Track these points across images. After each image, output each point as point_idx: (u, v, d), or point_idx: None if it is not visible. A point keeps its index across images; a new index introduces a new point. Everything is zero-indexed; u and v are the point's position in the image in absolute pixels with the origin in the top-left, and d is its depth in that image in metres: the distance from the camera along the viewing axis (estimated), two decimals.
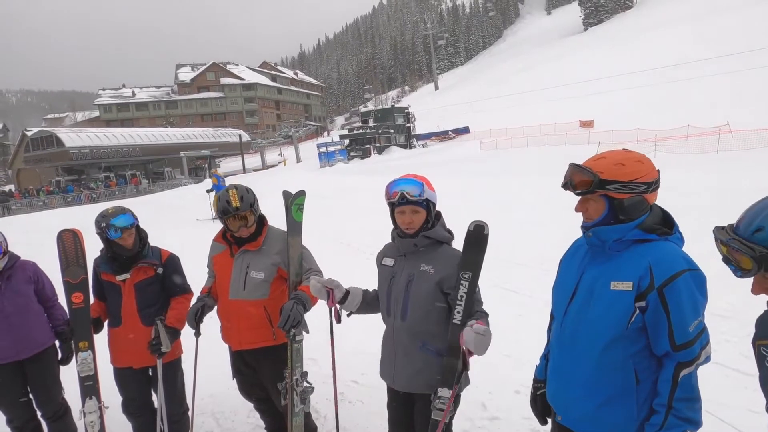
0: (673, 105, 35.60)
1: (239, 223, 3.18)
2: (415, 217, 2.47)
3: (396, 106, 57.83)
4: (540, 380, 2.26)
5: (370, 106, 77.35)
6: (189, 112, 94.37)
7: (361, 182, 22.78)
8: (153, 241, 3.51)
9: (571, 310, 1.99)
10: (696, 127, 26.33)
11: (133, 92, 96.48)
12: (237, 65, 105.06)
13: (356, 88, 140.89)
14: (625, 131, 29.52)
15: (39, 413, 3.54)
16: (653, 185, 1.86)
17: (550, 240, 7.95)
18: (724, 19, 53.81)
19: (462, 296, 2.38)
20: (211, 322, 3.39)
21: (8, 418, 3.46)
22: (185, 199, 20.11)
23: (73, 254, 3.35)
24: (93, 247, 3.40)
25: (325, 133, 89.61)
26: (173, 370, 3.46)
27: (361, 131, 49.99)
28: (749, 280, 1.52)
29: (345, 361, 3.97)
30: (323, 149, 43.89)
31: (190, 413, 3.59)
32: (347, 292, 2.71)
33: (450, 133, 51.08)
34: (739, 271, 1.46)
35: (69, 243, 3.35)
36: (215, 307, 3.40)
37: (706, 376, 2.16)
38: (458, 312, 2.38)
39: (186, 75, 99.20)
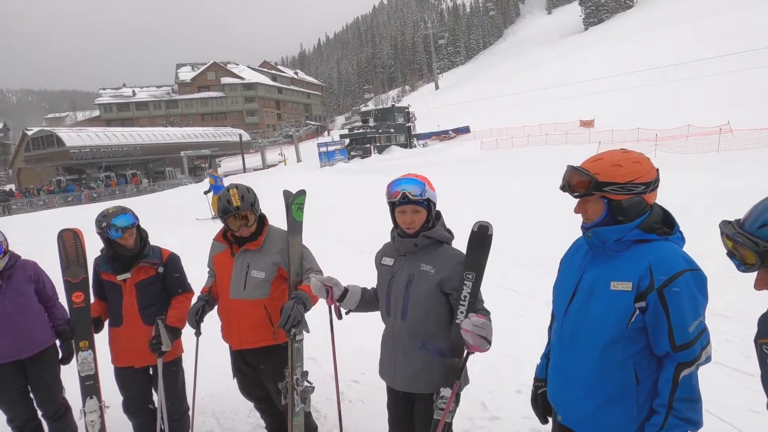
0: (673, 105, 35.60)
1: (240, 222, 3.18)
2: (416, 216, 2.46)
3: (396, 105, 57.78)
4: (541, 379, 2.26)
5: (371, 106, 77.32)
6: (189, 111, 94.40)
7: (361, 182, 22.79)
8: (153, 240, 3.51)
9: (572, 310, 1.99)
10: (696, 127, 26.32)
11: (133, 92, 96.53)
12: (237, 65, 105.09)
13: (356, 87, 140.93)
14: (625, 131, 29.52)
15: (39, 412, 3.54)
16: (652, 185, 1.85)
17: (550, 240, 7.95)
18: (725, 19, 53.81)
19: (465, 296, 2.38)
20: (212, 321, 3.39)
21: (9, 417, 3.46)
22: (185, 198, 20.12)
23: (74, 254, 3.35)
24: (93, 247, 3.40)
25: (326, 133, 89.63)
26: (174, 369, 3.47)
27: (361, 131, 49.98)
28: (750, 281, 1.53)
29: (345, 360, 3.97)
30: (323, 149, 43.90)
31: (190, 413, 3.59)
32: (346, 290, 2.71)
33: (450, 132, 51.09)
34: (743, 266, 1.48)
35: (69, 242, 3.35)
36: (216, 307, 3.40)
37: (706, 376, 2.16)
38: (461, 312, 2.37)
39: (186, 74, 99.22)
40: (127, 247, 3.26)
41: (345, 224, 12.73)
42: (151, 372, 3.47)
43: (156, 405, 3.46)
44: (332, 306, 2.74)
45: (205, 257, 3.48)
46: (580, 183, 1.87)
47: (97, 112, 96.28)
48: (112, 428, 3.51)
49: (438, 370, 2.45)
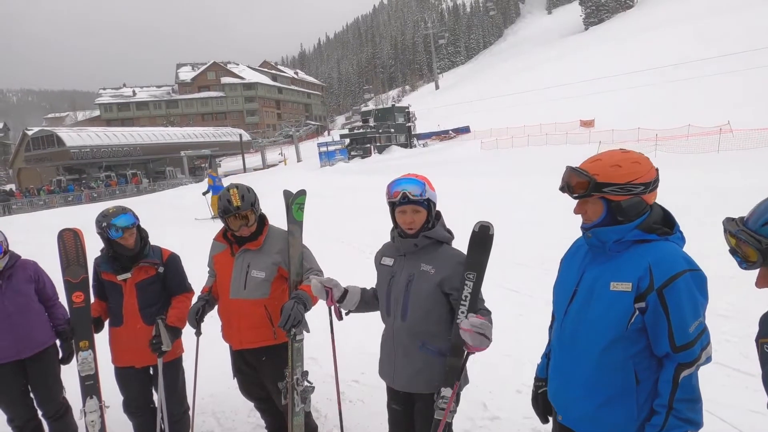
0: (673, 105, 35.60)
1: (240, 222, 3.18)
2: (416, 216, 2.46)
3: (396, 105, 57.79)
4: (541, 379, 2.26)
5: (371, 106, 77.33)
6: (189, 111, 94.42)
7: (361, 182, 22.80)
8: (153, 240, 3.51)
9: (572, 310, 1.99)
10: (696, 127, 26.33)
11: (133, 92, 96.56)
12: (238, 65, 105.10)
13: (357, 87, 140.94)
14: (625, 131, 29.53)
15: (40, 412, 3.54)
16: (651, 185, 1.85)
17: (550, 239, 7.95)
18: (725, 19, 53.82)
19: (466, 296, 2.38)
20: (212, 321, 3.39)
21: (9, 417, 3.46)
22: (186, 198, 20.13)
23: (74, 253, 3.35)
24: (93, 247, 3.40)
25: (326, 133, 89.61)
26: (174, 369, 3.47)
27: (361, 131, 49.99)
28: (750, 280, 1.53)
29: (345, 360, 3.97)
30: (324, 149, 43.90)
31: (190, 412, 3.59)
32: (345, 291, 2.71)
33: (450, 132, 51.10)
34: (744, 263, 1.50)
35: (69, 242, 3.35)
36: (216, 307, 3.40)
37: (707, 376, 2.16)
38: (462, 312, 2.37)
39: (187, 74, 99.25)
40: (128, 247, 3.26)
41: (345, 224, 12.74)
42: (151, 372, 3.47)
43: (156, 405, 3.46)
44: (332, 307, 2.74)
45: (205, 257, 3.48)
46: (579, 184, 1.87)
47: (97, 112, 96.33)
48: (113, 428, 3.51)
49: (438, 370, 2.45)
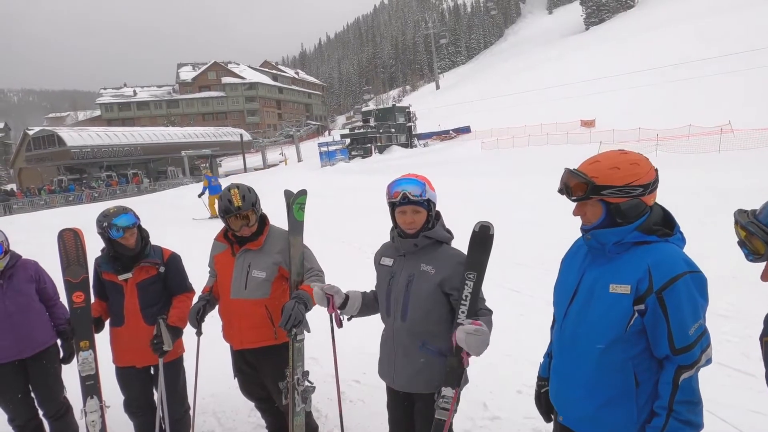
0: (674, 104, 35.58)
1: (241, 222, 3.18)
2: (416, 217, 2.46)
3: (397, 105, 57.78)
4: (544, 378, 2.26)
5: (371, 106, 77.32)
6: (190, 111, 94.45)
7: (362, 181, 22.79)
8: (154, 240, 3.52)
9: (571, 311, 1.99)
10: (697, 127, 26.33)
11: (134, 91, 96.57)
12: (238, 64, 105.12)
13: (357, 87, 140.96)
14: (626, 131, 29.53)
15: (40, 412, 3.54)
16: (650, 187, 1.84)
17: (551, 239, 7.94)
18: (726, 19, 53.74)
19: (467, 296, 2.38)
20: (213, 321, 3.39)
21: (10, 416, 3.46)
22: (186, 198, 20.13)
23: (74, 253, 3.35)
24: (94, 247, 3.40)
25: (326, 133, 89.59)
26: (175, 369, 3.47)
27: (362, 130, 49.97)
28: (750, 281, 1.54)
29: (346, 360, 3.97)
30: (324, 148, 43.88)
31: (191, 412, 3.59)
32: (347, 297, 2.71)
33: (451, 132, 51.09)
34: (751, 256, 1.52)
35: (70, 242, 3.35)
36: (216, 307, 3.40)
37: (707, 377, 2.16)
38: (462, 312, 2.37)
39: (187, 74, 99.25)
40: (128, 247, 3.27)
41: (346, 224, 12.73)
42: (152, 371, 3.47)
43: (157, 405, 3.46)
44: (332, 314, 2.73)
45: (206, 257, 3.48)
46: (578, 186, 1.86)
47: (98, 112, 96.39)
48: (113, 428, 3.52)
49: (438, 370, 2.45)
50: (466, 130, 50.20)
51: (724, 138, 21.89)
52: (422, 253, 2.51)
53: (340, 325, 2.73)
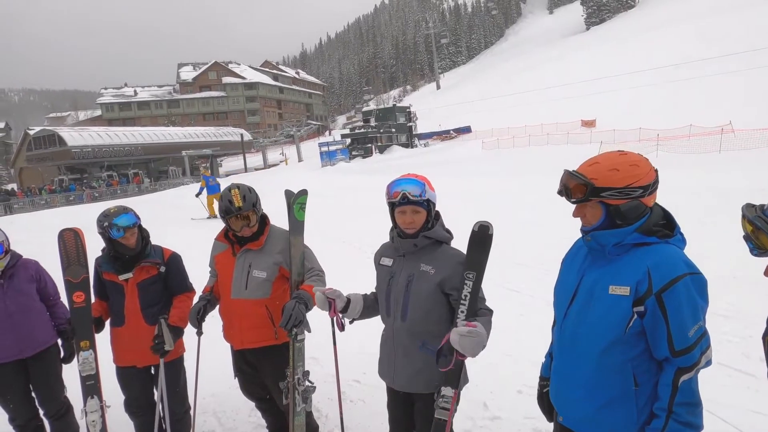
0: (675, 105, 35.57)
1: (242, 222, 3.18)
2: (416, 217, 2.46)
3: (398, 105, 57.77)
4: (546, 378, 2.25)
5: (372, 106, 77.31)
6: (191, 111, 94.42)
7: (362, 181, 22.79)
8: (155, 240, 3.52)
9: (571, 312, 1.99)
10: (698, 127, 26.32)
11: (135, 91, 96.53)
12: (239, 64, 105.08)
13: (358, 87, 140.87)
14: (627, 131, 29.53)
15: (41, 412, 3.55)
16: (650, 188, 1.83)
17: (551, 240, 7.95)
18: (726, 19, 53.70)
19: (466, 296, 2.38)
20: (213, 321, 3.39)
21: (11, 416, 3.47)
22: (187, 198, 20.11)
23: (74, 253, 3.35)
24: (95, 247, 3.40)
25: (327, 133, 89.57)
26: (175, 368, 3.47)
27: (362, 130, 49.97)
28: (750, 281, 1.55)
29: (346, 360, 3.97)
30: (325, 148, 43.88)
31: (191, 412, 3.60)
32: (348, 301, 2.70)
33: (452, 132, 51.08)
34: (756, 250, 1.52)
35: (70, 242, 3.36)
36: (217, 306, 3.41)
37: (707, 377, 2.15)
38: (462, 312, 2.37)
39: (188, 74, 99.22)
40: (129, 247, 3.27)
41: (346, 224, 12.73)
42: (152, 371, 3.47)
43: (157, 404, 3.46)
44: (334, 318, 2.73)
45: (207, 256, 3.49)
46: (577, 188, 1.86)
47: (98, 112, 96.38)
48: (114, 428, 3.52)
49: (438, 370, 2.45)
50: (466, 130, 50.19)
51: (724, 138, 21.88)
52: (422, 253, 2.51)
53: (342, 329, 2.72)
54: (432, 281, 2.46)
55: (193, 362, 3.44)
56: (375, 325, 2.75)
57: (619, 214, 1.83)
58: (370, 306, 2.76)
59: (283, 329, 3.00)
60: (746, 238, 1.53)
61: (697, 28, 55.56)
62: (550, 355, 2.25)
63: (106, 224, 3.19)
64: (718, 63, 41.29)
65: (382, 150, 46.33)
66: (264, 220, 3.35)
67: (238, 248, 3.27)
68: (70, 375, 3.57)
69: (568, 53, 73.83)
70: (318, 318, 3.49)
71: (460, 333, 2.19)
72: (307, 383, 3.13)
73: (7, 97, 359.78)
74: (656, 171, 1.88)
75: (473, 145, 39.07)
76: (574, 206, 1.95)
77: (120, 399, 3.47)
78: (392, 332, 2.59)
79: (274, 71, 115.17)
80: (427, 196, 2.45)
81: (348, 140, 49.35)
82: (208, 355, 3.57)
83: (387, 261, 2.65)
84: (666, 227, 1.89)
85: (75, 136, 56.14)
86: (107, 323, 3.45)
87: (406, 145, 49.13)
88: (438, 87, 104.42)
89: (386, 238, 2.70)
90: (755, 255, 1.53)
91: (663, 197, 1.98)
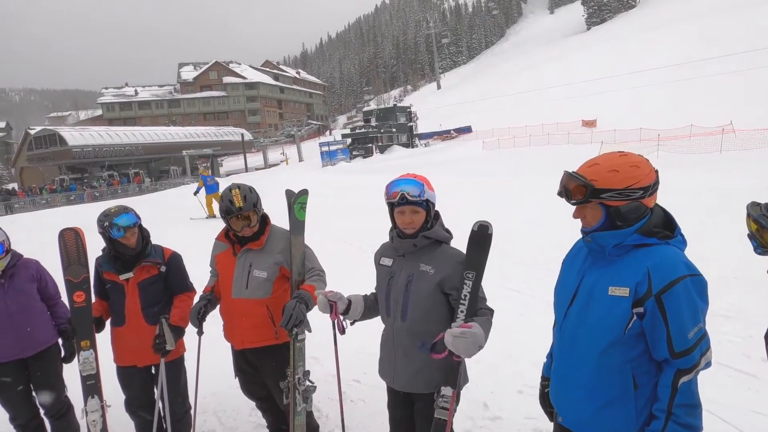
0: (675, 105, 35.57)
1: (242, 223, 3.18)
2: (415, 217, 2.46)
3: (398, 105, 57.78)
4: (547, 378, 2.25)
5: (373, 106, 77.32)
6: (191, 110, 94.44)
7: (363, 181, 22.78)
8: (155, 239, 3.52)
9: (571, 312, 1.99)
10: (699, 127, 26.31)
11: (135, 91, 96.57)
12: (239, 64, 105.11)
13: (358, 87, 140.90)
14: (627, 131, 29.52)
15: (42, 411, 3.55)
16: (650, 189, 1.83)
17: (552, 240, 7.94)
18: (727, 19, 53.71)
19: (465, 296, 2.38)
20: (213, 320, 3.39)
21: (11, 415, 3.47)
22: (187, 197, 20.12)
23: (75, 253, 3.35)
24: (95, 246, 3.41)
25: (328, 132, 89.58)
26: (176, 368, 3.47)
27: (363, 130, 49.99)
28: (751, 281, 1.55)
29: (347, 360, 3.97)
30: (325, 148, 43.91)
31: (192, 412, 3.60)
32: (349, 302, 2.70)
33: (452, 132, 51.10)
34: (760, 249, 1.53)
35: (70, 242, 3.36)
36: (217, 306, 3.41)
37: (708, 377, 2.15)
38: (462, 311, 2.37)
39: (189, 74, 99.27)
40: (129, 247, 3.27)
41: (347, 224, 12.73)
42: (153, 371, 3.47)
43: (158, 404, 3.46)
44: (335, 321, 2.72)
45: (207, 256, 3.49)
46: (577, 189, 1.85)
47: (99, 112, 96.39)
48: (114, 427, 3.52)
49: (438, 370, 2.45)
50: (467, 129, 50.22)
51: (725, 138, 21.87)
52: (421, 253, 2.51)
53: (342, 331, 2.72)
54: (432, 281, 2.46)
55: (194, 362, 3.44)
56: (375, 325, 2.75)
57: (620, 216, 1.82)
58: (370, 307, 2.76)
59: (283, 329, 3.00)
60: (750, 236, 1.53)
61: (697, 28, 55.57)
62: (551, 356, 2.25)
63: (106, 224, 3.20)
64: (719, 63, 41.29)
65: (382, 150, 46.35)
66: (265, 219, 3.36)
67: (239, 248, 3.27)
68: (71, 374, 3.57)
69: (569, 53, 73.84)
70: (318, 318, 3.49)
71: (453, 334, 2.20)
72: (307, 383, 3.13)
73: (7, 96, 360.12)
74: (656, 172, 1.88)
75: (474, 145, 39.07)
76: (574, 207, 1.95)
77: (120, 399, 3.47)
78: (392, 332, 2.59)
79: (275, 71, 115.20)
80: (425, 196, 2.44)
81: (348, 140, 49.39)
82: (209, 355, 3.57)
83: (387, 261, 2.65)
84: (666, 228, 1.88)
85: (76, 136, 56.14)
86: (108, 323, 3.45)
87: (406, 145, 49.15)
88: (439, 87, 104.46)
89: (386, 238, 2.70)
90: (759, 253, 1.53)
91: (663, 197, 1.98)
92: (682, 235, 1.89)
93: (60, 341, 3.59)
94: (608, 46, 66.89)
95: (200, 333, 3.30)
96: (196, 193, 17.16)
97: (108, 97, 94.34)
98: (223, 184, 15.85)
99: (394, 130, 49.29)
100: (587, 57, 64.85)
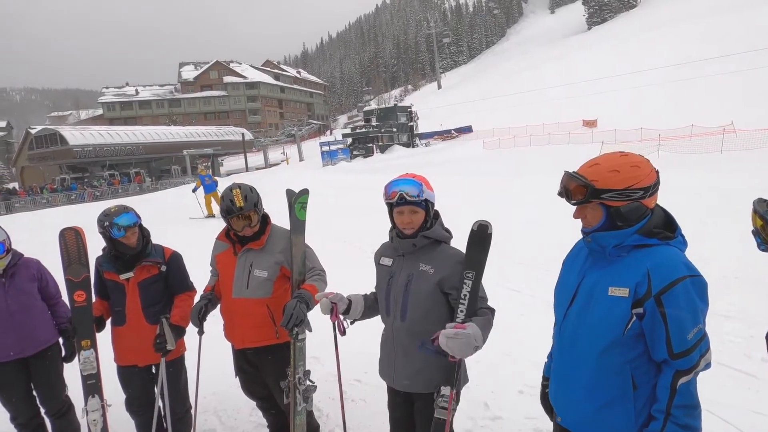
0: (676, 105, 35.55)
1: (243, 222, 3.18)
2: (413, 217, 2.46)
3: (399, 104, 57.78)
4: (548, 378, 2.25)
5: (373, 105, 77.33)
6: (192, 110, 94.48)
7: (363, 181, 22.80)
8: (155, 239, 3.52)
9: (571, 313, 1.98)
10: (700, 127, 26.31)
11: (136, 90, 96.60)
12: (240, 64, 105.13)
13: (359, 87, 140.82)
14: (628, 131, 29.52)
15: (42, 410, 3.55)
16: (651, 189, 1.83)
17: (552, 240, 7.94)
18: (728, 19, 53.68)
19: (465, 295, 2.38)
20: (214, 320, 3.39)
21: (12, 415, 3.47)
22: (187, 197, 20.14)
23: (75, 252, 3.35)
24: (95, 246, 3.41)
25: (328, 132, 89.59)
26: (177, 368, 3.48)
27: (363, 130, 50.00)
28: (752, 281, 1.55)
29: (347, 360, 3.96)
30: (326, 148, 43.93)
31: (192, 411, 3.60)
32: (350, 302, 2.70)
33: (453, 132, 51.11)
34: (764, 245, 1.53)
35: (71, 241, 3.36)
36: (218, 306, 3.41)
37: (709, 378, 2.15)
38: (461, 311, 2.37)
39: (189, 73, 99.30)
40: (130, 246, 3.27)
41: (347, 223, 12.74)
42: (153, 371, 3.48)
43: (158, 403, 3.46)
44: (335, 322, 2.72)
45: (207, 256, 3.49)
46: (577, 189, 1.85)
47: (100, 111, 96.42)
48: (114, 427, 3.52)
49: (437, 370, 2.45)
50: (467, 129, 50.23)
51: (726, 138, 21.87)
52: (421, 252, 2.51)
53: (343, 333, 2.72)
54: (431, 281, 2.46)
55: (194, 361, 3.44)
56: (376, 325, 2.75)
57: (620, 216, 1.82)
58: (370, 306, 2.76)
59: (284, 328, 3.00)
60: (755, 232, 1.53)
61: (698, 28, 55.54)
62: (551, 356, 2.25)
63: (106, 223, 3.20)
64: (720, 63, 41.27)
65: (383, 150, 46.37)
66: (265, 219, 3.36)
67: (240, 247, 3.27)
68: (71, 374, 3.57)
69: (570, 53, 73.82)
70: (319, 317, 3.49)
71: (446, 335, 2.20)
72: (308, 382, 3.13)
73: (8, 96, 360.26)
74: (657, 172, 1.87)
75: (474, 144, 39.10)
76: (574, 207, 1.95)
77: (121, 398, 3.47)
78: (392, 332, 2.59)
79: (276, 71, 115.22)
80: (424, 196, 2.44)
81: (349, 140, 49.41)
82: (209, 354, 3.57)
83: (387, 261, 2.65)
84: (667, 229, 1.88)
85: (76, 135, 56.14)
86: (108, 322, 3.46)
87: (407, 145, 49.18)
88: (439, 86, 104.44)
89: (386, 238, 2.70)
90: (762, 250, 1.53)
91: (664, 197, 1.98)
92: (682, 236, 1.89)
93: (61, 340, 3.59)
94: (609, 45, 66.87)
95: (201, 332, 3.30)
96: (194, 190, 17.17)
97: (109, 96, 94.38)
98: (224, 183, 15.85)
99: (394, 129, 49.32)
100: (588, 57, 64.82)
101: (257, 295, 3.21)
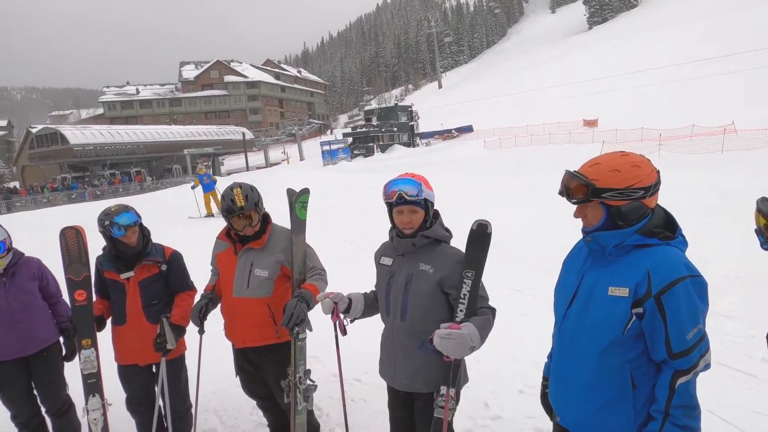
0: (677, 104, 35.56)
1: (244, 222, 3.18)
2: (413, 216, 2.46)
3: (399, 104, 57.77)
4: (548, 378, 2.25)
5: (374, 104, 77.31)
6: (193, 109, 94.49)
7: (364, 180, 22.78)
8: (156, 238, 3.52)
9: (571, 312, 1.98)
10: (700, 127, 26.31)
11: (137, 90, 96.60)
12: (241, 63, 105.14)
13: (359, 86, 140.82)
14: (629, 130, 29.53)
15: (43, 409, 3.56)
16: (651, 189, 1.82)
17: (553, 239, 7.94)
18: (729, 19, 53.66)
19: (465, 294, 2.38)
20: (214, 319, 3.39)
21: (13, 413, 3.48)
22: (187, 196, 20.14)
23: (76, 252, 3.35)
24: (96, 245, 3.41)
25: (329, 131, 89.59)
26: (177, 367, 3.48)
27: (364, 129, 50.01)
28: (752, 281, 1.55)
29: (348, 359, 3.96)
30: (326, 147, 43.94)
31: (193, 410, 3.60)
32: (350, 301, 2.70)
33: (453, 131, 51.11)
34: (767, 244, 1.53)
35: (72, 240, 3.36)
36: (218, 305, 3.41)
37: (709, 378, 2.15)
38: (461, 311, 2.37)
39: (190, 73, 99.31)
40: (130, 245, 3.27)
41: (348, 223, 12.73)
42: (153, 370, 3.48)
43: (159, 402, 3.47)
44: (336, 323, 2.72)
45: (208, 255, 3.49)
46: (578, 189, 1.85)
47: (100, 110, 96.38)
48: (115, 426, 3.52)
49: (437, 370, 2.44)
50: (468, 129, 50.25)
51: (727, 138, 21.87)
52: (421, 252, 2.51)
53: (344, 332, 2.71)
54: (431, 280, 2.46)
55: (195, 360, 3.44)
56: (376, 325, 2.75)
57: (620, 215, 1.82)
58: (370, 305, 2.76)
59: (284, 328, 3.00)
60: (758, 231, 1.53)
61: (699, 27, 55.54)
62: (551, 356, 2.24)
63: (107, 223, 3.20)
64: (720, 63, 41.28)
65: (383, 149, 46.39)
66: (266, 219, 3.35)
67: (240, 247, 3.27)
68: (72, 373, 3.58)
69: (570, 53, 73.80)
70: (319, 317, 3.49)
71: (440, 335, 2.20)
72: (308, 382, 3.13)
73: (9, 95, 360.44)
74: (658, 172, 1.87)
75: (475, 144, 39.11)
76: (575, 206, 1.95)
77: (121, 397, 3.48)
78: (392, 332, 2.59)
79: (276, 70, 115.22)
80: (423, 196, 2.44)
81: (350, 139, 49.44)
82: (210, 354, 3.57)
83: (387, 260, 2.65)
84: (667, 229, 1.88)
85: (77, 135, 56.17)
86: (108, 322, 3.46)
87: (407, 144, 49.20)
88: (440, 86, 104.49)
89: (387, 238, 2.70)
90: (766, 249, 1.53)
91: (665, 197, 1.98)
92: (683, 236, 1.89)
93: (61, 339, 3.59)
94: (610, 45, 66.86)
95: (201, 332, 3.30)
96: (193, 187, 17.19)
97: (109, 95, 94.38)
98: (225, 183, 15.85)
99: (395, 129, 49.34)
100: (589, 56, 64.83)
101: (258, 294, 3.21)
